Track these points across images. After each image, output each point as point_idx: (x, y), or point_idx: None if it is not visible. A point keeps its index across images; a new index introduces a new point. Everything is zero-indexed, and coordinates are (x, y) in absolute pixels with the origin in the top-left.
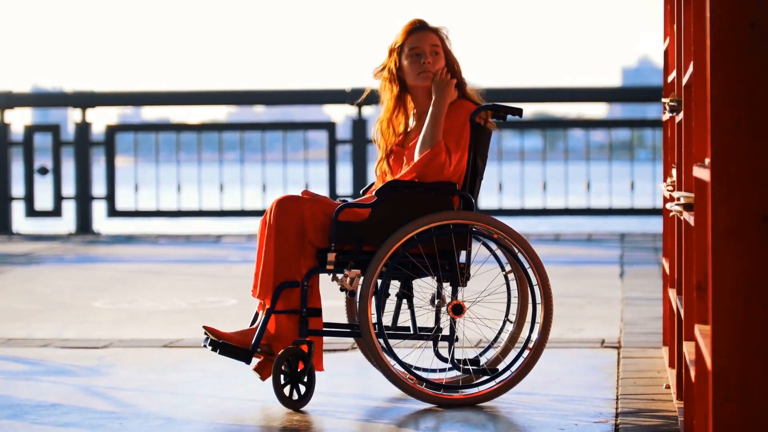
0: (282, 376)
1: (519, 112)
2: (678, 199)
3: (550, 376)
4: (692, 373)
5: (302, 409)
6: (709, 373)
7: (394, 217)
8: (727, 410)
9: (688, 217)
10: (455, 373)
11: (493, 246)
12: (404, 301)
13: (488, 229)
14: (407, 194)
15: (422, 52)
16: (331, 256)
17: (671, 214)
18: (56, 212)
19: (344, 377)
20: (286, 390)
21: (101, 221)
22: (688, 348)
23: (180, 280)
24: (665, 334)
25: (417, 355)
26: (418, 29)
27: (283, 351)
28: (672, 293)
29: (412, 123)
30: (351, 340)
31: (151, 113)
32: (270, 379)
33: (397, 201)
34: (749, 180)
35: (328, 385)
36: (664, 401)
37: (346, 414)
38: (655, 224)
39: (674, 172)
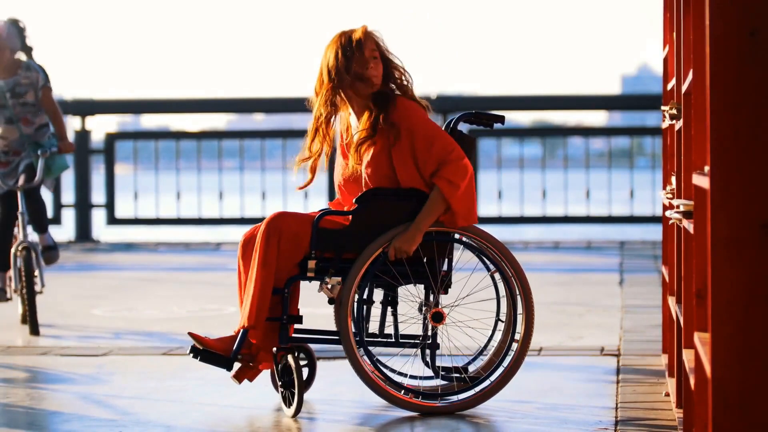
0: (283, 382)
1: (501, 119)
2: (677, 206)
3: (549, 383)
4: (692, 381)
5: (301, 415)
6: (709, 381)
7: (374, 225)
8: (727, 418)
9: (688, 225)
10: (439, 381)
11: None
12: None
13: (455, 232)
14: (387, 202)
15: (364, 58)
16: (311, 264)
17: (671, 221)
18: (56, 220)
19: (343, 385)
20: (286, 395)
21: (101, 229)
22: (687, 356)
23: (179, 288)
24: (665, 342)
25: (404, 362)
26: (362, 36)
27: (294, 361)
28: (671, 301)
29: (354, 125)
30: None
31: (150, 121)
32: (268, 387)
33: (377, 208)
34: (749, 187)
35: (327, 392)
36: (663, 409)
37: (345, 421)
38: (655, 232)
39: (674, 179)
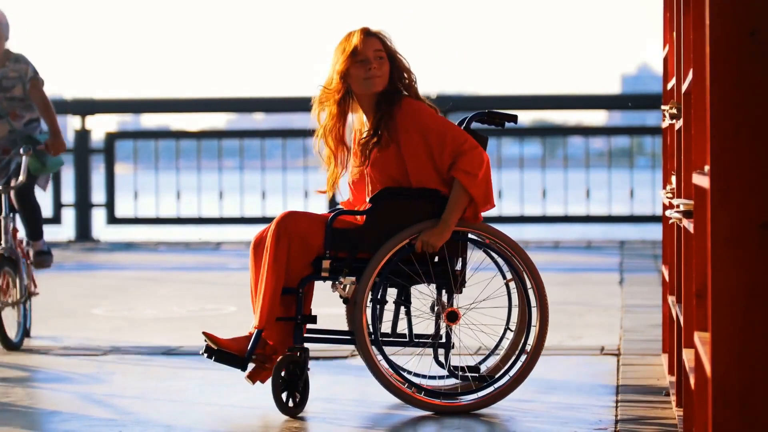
0: (281, 383)
1: (514, 118)
2: (677, 206)
3: (550, 383)
4: (692, 381)
5: (301, 415)
6: (709, 381)
7: (389, 224)
8: (727, 417)
9: (688, 225)
10: (453, 380)
11: (493, 254)
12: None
13: (481, 236)
14: (401, 201)
15: (366, 58)
16: (326, 263)
17: (671, 221)
18: (56, 219)
19: (343, 384)
20: (284, 397)
21: (101, 228)
22: (687, 355)
23: (179, 288)
24: (665, 342)
25: (416, 361)
26: (360, 36)
27: (281, 358)
28: (671, 300)
29: (362, 132)
30: (351, 347)
31: (150, 120)
32: (269, 386)
33: (391, 208)
34: (748, 187)
35: (327, 392)
36: (663, 408)
37: (346, 421)
38: (655, 231)
39: (674, 179)
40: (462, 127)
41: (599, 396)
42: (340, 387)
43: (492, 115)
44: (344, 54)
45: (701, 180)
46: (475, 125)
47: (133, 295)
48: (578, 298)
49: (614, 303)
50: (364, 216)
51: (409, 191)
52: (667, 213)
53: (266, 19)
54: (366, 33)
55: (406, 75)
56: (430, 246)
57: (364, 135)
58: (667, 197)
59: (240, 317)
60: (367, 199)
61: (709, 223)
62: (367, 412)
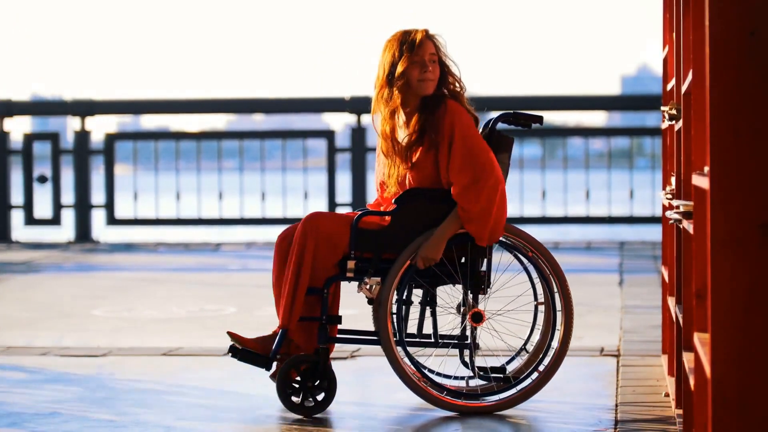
0: (289, 382)
1: (539, 120)
2: (677, 207)
3: (550, 383)
4: (691, 382)
5: (302, 417)
6: (708, 382)
7: (413, 225)
8: (726, 418)
9: (688, 226)
10: (477, 381)
11: (526, 262)
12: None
13: (511, 240)
14: (425, 202)
15: (422, 60)
16: (351, 264)
17: (670, 222)
18: (55, 220)
19: (344, 386)
20: (294, 397)
21: (100, 229)
22: (687, 356)
23: (179, 289)
24: (664, 343)
25: (441, 361)
26: (422, 37)
27: (290, 359)
28: (671, 301)
29: (400, 132)
30: (351, 347)
31: (150, 121)
32: (267, 387)
33: (417, 209)
34: (748, 188)
35: None
36: (663, 409)
37: (346, 421)
38: (655, 232)
39: (673, 180)
40: (488, 129)
41: (599, 397)
42: (340, 388)
43: (517, 116)
44: (405, 53)
45: (701, 181)
46: (500, 126)
47: (132, 296)
48: (578, 298)
49: (614, 304)
50: (390, 217)
51: (434, 192)
52: (667, 214)
53: (266, 19)
54: (426, 35)
55: (452, 80)
56: (429, 260)
57: (404, 138)
58: (667, 198)
59: (240, 317)
60: (393, 200)
61: (708, 223)
62: (368, 413)
